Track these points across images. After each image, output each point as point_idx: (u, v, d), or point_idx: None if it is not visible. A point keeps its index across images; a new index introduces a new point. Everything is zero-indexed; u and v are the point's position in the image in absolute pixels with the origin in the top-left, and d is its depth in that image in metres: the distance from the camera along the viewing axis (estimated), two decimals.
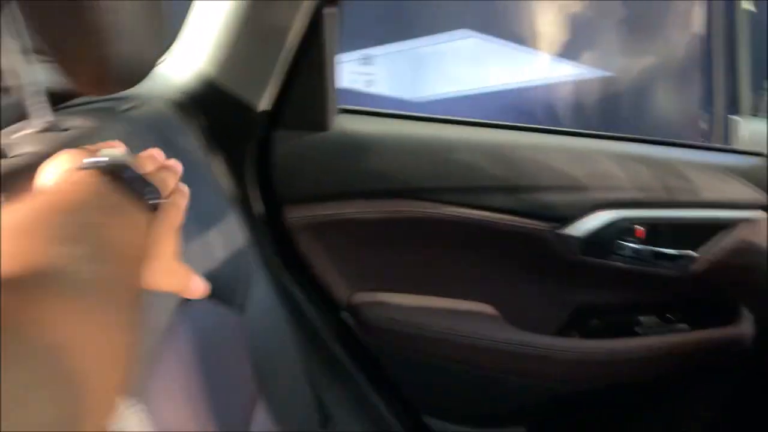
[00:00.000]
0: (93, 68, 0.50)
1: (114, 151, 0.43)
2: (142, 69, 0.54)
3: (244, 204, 1.04)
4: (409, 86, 2.40)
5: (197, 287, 0.50)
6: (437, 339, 1.17)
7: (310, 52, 1.01)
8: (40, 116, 0.64)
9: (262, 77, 1.01)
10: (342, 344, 1.17)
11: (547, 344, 1.18)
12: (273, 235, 1.09)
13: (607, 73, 2.50)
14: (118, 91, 0.50)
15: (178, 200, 0.50)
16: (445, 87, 2.45)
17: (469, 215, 1.12)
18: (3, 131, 0.59)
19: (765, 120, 1.42)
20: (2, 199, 0.47)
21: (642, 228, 1.16)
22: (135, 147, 0.47)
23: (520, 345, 1.18)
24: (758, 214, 1.17)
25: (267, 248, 1.07)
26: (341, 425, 1.15)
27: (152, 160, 0.48)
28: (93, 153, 0.42)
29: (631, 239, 1.16)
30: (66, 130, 0.63)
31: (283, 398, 0.89)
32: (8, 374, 0.24)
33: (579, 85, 2.50)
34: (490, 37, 2.48)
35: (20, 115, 0.65)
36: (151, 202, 0.43)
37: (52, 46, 0.50)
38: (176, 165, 0.53)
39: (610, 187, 1.15)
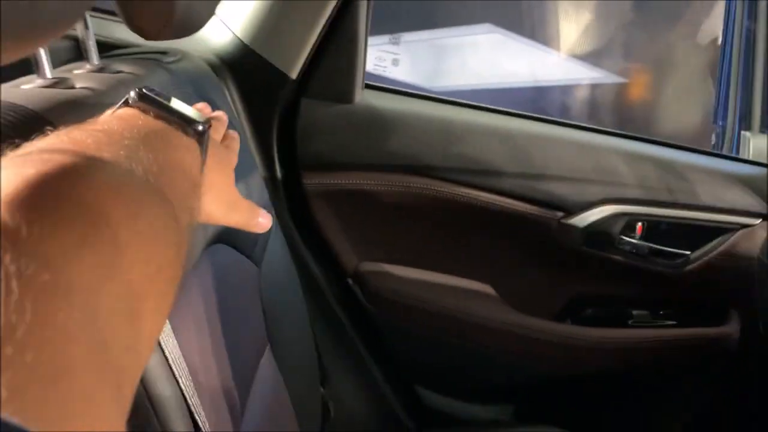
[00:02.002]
0: (158, 13, 0.54)
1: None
2: (200, 20, 0.59)
3: (266, 164, 1.09)
4: (428, 75, 2.44)
5: (264, 221, 0.54)
6: (436, 313, 1.22)
7: (343, 26, 1.06)
8: (94, 59, 0.69)
9: (294, 47, 1.06)
10: (345, 309, 1.23)
11: (541, 327, 1.24)
12: (289, 198, 1.14)
13: (622, 80, 2.54)
14: (176, 38, 0.55)
15: (232, 144, 0.55)
16: (463, 79, 2.49)
17: (477, 197, 1.16)
18: (63, 67, 0.64)
19: None
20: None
21: (642, 224, 1.21)
22: (177, 97, 0.52)
23: (514, 326, 1.23)
24: (755, 221, 1.21)
25: (284, 209, 1.12)
26: (337, 385, 1.20)
27: (201, 109, 0.52)
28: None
29: (632, 235, 1.21)
30: (118, 72, 0.68)
31: (288, 350, 0.94)
32: (62, 232, 0.26)
33: (593, 89, 2.54)
34: (513, 34, 2.52)
35: (76, 56, 0.70)
36: (195, 128, 0.44)
37: None
38: (223, 115, 0.59)
39: (616, 182, 1.19)
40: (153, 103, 0.42)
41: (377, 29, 2.32)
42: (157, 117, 0.42)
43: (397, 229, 1.21)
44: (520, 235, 1.21)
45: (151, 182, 0.35)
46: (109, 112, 0.42)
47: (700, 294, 1.26)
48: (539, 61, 2.53)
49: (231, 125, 0.94)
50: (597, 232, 1.19)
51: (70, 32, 0.66)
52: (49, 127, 0.35)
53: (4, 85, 0.57)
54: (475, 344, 1.25)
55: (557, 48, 2.56)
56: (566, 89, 2.55)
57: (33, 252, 0.24)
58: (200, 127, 0.45)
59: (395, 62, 2.29)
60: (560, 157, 1.19)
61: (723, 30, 2.00)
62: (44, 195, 0.27)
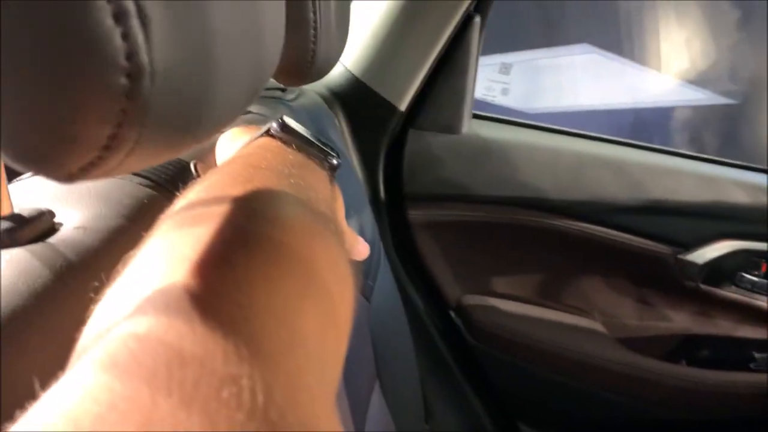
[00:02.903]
0: (296, 60, 0.54)
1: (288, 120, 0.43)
2: (330, 63, 0.60)
3: (373, 195, 1.09)
4: (526, 96, 2.40)
5: (362, 249, 0.52)
6: (542, 349, 1.18)
7: (453, 57, 1.05)
8: None
9: (404, 79, 1.06)
10: (448, 343, 1.21)
11: (654, 368, 1.17)
12: (394, 229, 1.14)
13: (730, 101, 2.41)
14: (316, 80, 0.55)
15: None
16: (561, 100, 2.44)
17: (589, 230, 1.12)
18: None
19: None
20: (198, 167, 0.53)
21: (765, 261, 1.13)
22: None
23: (624, 365, 1.17)
24: None
25: (388, 240, 1.12)
26: (440, 421, 1.18)
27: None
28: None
29: (755, 273, 1.13)
30: (246, 113, 0.69)
31: (395, 385, 0.93)
32: (283, 283, 0.25)
33: (699, 111, 2.42)
34: (610, 54, 2.45)
35: None
36: (330, 162, 0.42)
37: None
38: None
39: (736, 216, 1.13)
40: (294, 135, 0.41)
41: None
42: (298, 149, 0.41)
43: (503, 261, 1.18)
44: (633, 271, 1.16)
45: (330, 218, 0.33)
46: (231, 150, 0.41)
47: None
48: (639, 81, 2.44)
49: (344, 156, 0.95)
50: (716, 268, 1.12)
51: None
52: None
53: None
54: (581, 382, 1.20)
55: (658, 68, 2.46)
56: (668, 111, 2.45)
57: (263, 308, 0.22)
58: (335, 161, 0.43)
59: (505, 92, 2.27)
60: (677, 189, 1.13)
61: None
62: (247, 248, 0.25)
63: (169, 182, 0.43)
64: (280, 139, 0.41)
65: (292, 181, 0.34)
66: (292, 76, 0.59)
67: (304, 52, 0.56)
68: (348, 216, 0.85)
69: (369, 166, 1.08)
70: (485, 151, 1.12)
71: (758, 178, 1.19)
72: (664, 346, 1.20)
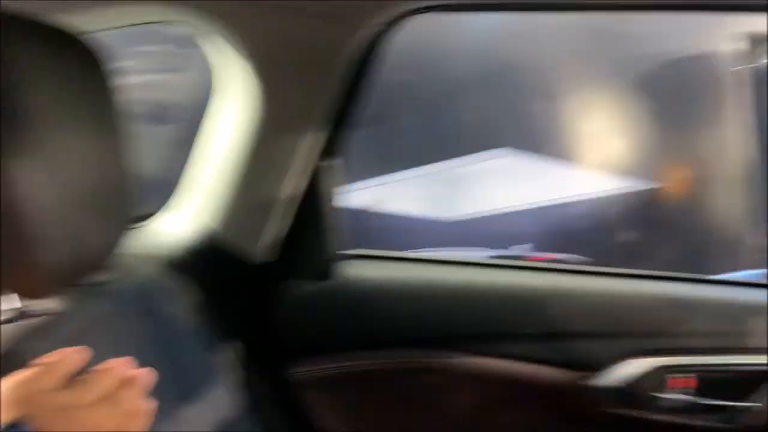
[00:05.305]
0: (25, 276, 0.48)
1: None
2: (92, 262, 0.53)
3: (246, 364, 0.99)
4: (442, 206, 2.38)
5: None
6: None
7: (310, 202, 1.00)
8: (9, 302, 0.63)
9: (263, 229, 1.00)
10: None
11: None
12: (277, 394, 1.04)
13: (652, 186, 2.43)
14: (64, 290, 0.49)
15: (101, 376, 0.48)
16: (478, 206, 2.42)
17: (487, 365, 1.04)
18: None
19: None
20: None
21: (683, 377, 1.05)
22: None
23: None
24: None
25: (270, 410, 1.02)
26: None
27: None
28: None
29: (672, 389, 1.05)
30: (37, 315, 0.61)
31: None
32: None
33: (619, 198, 2.43)
34: (527, 154, 2.47)
35: None
36: None
37: None
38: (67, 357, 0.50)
39: (649, 332, 1.06)
40: None
41: (388, 167, 2.30)
42: None
43: (402, 409, 1.08)
44: (541, 403, 1.07)
45: None
46: None
47: None
48: (559, 177, 2.45)
49: (189, 335, 0.86)
50: (629, 390, 1.04)
51: None
52: None
53: None
54: None
55: (576, 161, 2.48)
56: (586, 203, 2.45)
57: None
58: None
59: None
60: (577, 310, 1.07)
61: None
62: None
63: None
64: None
65: None
66: (35, 291, 0.52)
67: (29, 267, 0.48)
68: (192, 405, 0.76)
69: (234, 330, 0.99)
70: (361, 293, 1.06)
71: (666, 288, 1.14)
72: None
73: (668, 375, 1.05)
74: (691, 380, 1.05)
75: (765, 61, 1.66)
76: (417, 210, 2.30)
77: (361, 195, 2.19)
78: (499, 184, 2.44)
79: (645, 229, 2.44)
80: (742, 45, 1.73)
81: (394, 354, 1.05)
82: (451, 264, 1.13)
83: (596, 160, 2.48)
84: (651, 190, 2.49)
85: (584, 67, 2.37)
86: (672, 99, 2.35)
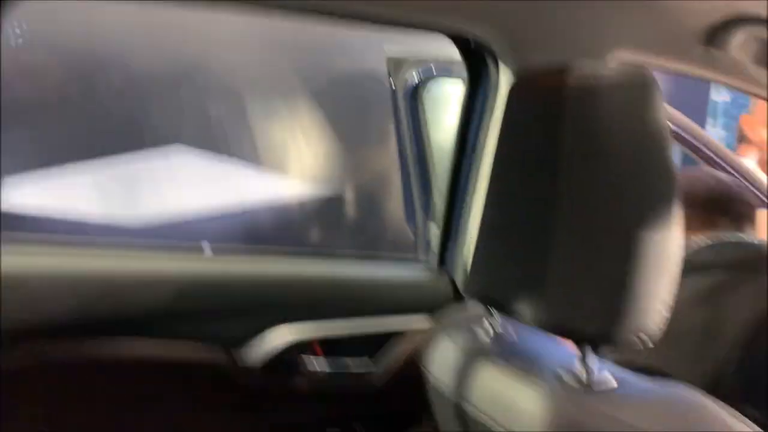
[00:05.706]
0: None
1: None
2: None
3: None
4: (116, 208, 2.20)
5: None
6: None
7: None
8: None
9: None
10: None
11: None
12: None
13: (324, 191, 2.56)
14: None
15: None
16: (155, 209, 2.30)
17: (117, 352, 0.99)
18: None
19: None
20: None
21: (318, 344, 1.13)
22: None
23: None
24: (423, 321, 1.20)
25: None
26: None
27: None
28: None
29: (310, 356, 1.13)
30: None
31: None
32: None
33: (293, 202, 2.53)
34: (206, 154, 2.42)
35: None
36: None
37: None
38: None
39: (281, 305, 1.11)
40: None
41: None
42: None
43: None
44: (185, 385, 1.05)
45: None
46: None
47: (392, 406, 1.21)
48: (238, 180, 2.45)
49: None
50: (272, 362, 1.08)
51: None
52: None
53: None
54: None
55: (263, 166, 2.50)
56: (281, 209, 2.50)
57: None
58: None
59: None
60: (210, 290, 1.08)
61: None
62: None
63: None
64: None
65: None
66: None
67: None
68: None
69: None
70: None
71: (290, 266, 1.21)
72: None
73: (309, 341, 1.12)
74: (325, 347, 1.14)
75: (410, 81, 1.85)
76: (79, 207, 2.10)
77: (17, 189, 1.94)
78: (172, 185, 2.36)
79: (318, 229, 2.57)
80: (390, 66, 1.91)
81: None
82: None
83: (272, 165, 2.55)
84: (323, 195, 2.63)
85: (259, 75, 2.42)
86: (338, 112, 2.52)
